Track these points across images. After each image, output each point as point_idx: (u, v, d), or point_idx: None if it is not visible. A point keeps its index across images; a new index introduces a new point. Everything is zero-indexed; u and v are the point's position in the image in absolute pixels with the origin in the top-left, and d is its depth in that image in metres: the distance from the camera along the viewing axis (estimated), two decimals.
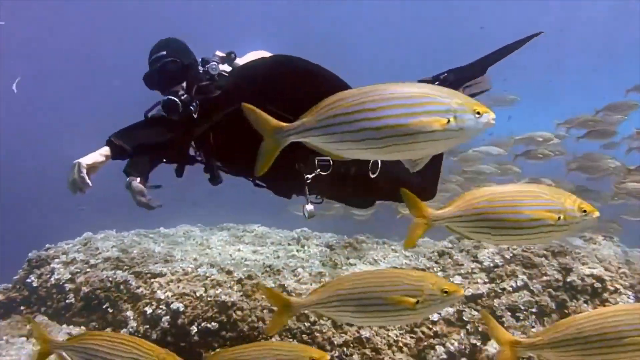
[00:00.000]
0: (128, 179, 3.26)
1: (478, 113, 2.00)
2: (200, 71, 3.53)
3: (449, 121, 1.98)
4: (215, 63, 3.53)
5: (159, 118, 3.48)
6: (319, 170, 3.61)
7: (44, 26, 22.58)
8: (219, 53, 3.67)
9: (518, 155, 8.10)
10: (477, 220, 2.31)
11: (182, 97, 3.38)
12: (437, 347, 4.54)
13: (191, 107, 3.39)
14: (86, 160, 3.20)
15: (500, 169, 8.25)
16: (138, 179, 3.26)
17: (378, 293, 2.47)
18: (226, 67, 3.63)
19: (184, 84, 3.46)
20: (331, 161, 3.60)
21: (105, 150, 3.31)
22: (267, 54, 3.85)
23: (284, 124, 2.20)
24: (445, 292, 2.41)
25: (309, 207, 3.67)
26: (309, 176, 3.60)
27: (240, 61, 3.72)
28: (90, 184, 3.17)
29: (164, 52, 3.48)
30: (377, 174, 3.76)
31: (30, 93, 24.03)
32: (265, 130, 2.23)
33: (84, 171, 3.13)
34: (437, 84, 4.12)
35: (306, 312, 4.73)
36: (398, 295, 2.41)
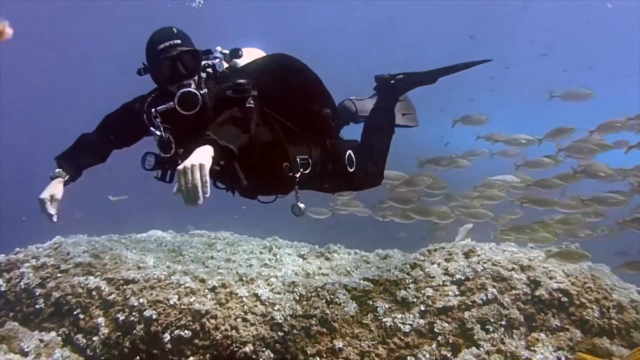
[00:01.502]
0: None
1: None
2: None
3: None
4: (219, 59, 3.55)
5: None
6: (302, 169, 3.74)
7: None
8: (220, 49, 3.66)
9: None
10: None
11: (201, 92, 3.35)
12: (408, 357, 4.60)
13: (207, 103, 3.37)
14: (44, 195, 3.32)
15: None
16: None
17: None
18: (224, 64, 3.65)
19: (196, 78, 3.42)
20: (309, 160, 3.79)
21: (59, 179, 3.45)
22: (259, 52, 3.93)
23: None
24: None
25: (301, 204, 3.79)
26: (297, 175, 3.72)
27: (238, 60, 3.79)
28: (55, 217, 3.33)
29: (178, 41, 3.40)
30: (354, 168, 4.04)
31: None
32: None
33: (46, 207, 3.29)
34: (392, 82, 4.68)
35: (279, 321, 4.76)
36: None
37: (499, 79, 19.01)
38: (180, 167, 2.67)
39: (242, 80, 3.36)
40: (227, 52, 3.68)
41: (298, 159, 3.73)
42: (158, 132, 3.40)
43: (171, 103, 3.31)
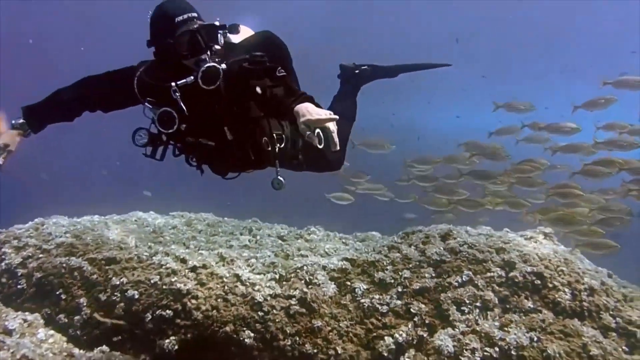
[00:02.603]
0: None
1: None
2: None
3: None
4: (222, 34, 3.55)
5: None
6: (278, 144, 3.81)
7: None
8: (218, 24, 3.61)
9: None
10: None
11: (222, 67, 3.37)
12: (386, 337, 4.71)
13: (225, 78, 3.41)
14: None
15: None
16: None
17: None
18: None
19: (208, 52, 3.42)
20: (284, 135, 3.86)
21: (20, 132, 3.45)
22: (248, 29, 3.97)
23: None
24: None
25: (280, 178, 3.83)
26: (276, 149, 3.79)
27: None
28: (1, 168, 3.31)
29: (195, 14, 3.42)
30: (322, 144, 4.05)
31: None
32: None
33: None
34: (357, 72, 4.93)
35: (259, 301, 4.84)
36: None
37: None
38: (316, 117, 2.88)
39: (258, 53, 3.45)
40: (225, 25, 3.66)
41: (275, 134, 3.80)
42: (165, 107, 3.44)
43: (191, 77, 3.33)
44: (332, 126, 2.88)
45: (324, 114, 2.90)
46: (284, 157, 4.03)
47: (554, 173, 8.30)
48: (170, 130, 3.47)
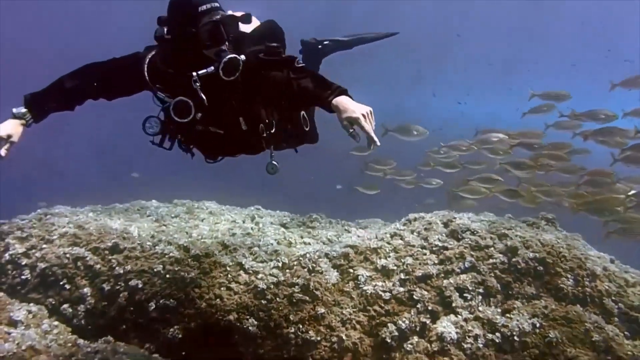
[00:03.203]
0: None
1: None
2: None
3: None
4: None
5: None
6: (271, 130, 3.83)
7: None
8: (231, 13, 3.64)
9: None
10: None
11: (241, 57, 3.37)
12: (388, 324, 4.72)
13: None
14: (1, 131, 3.23)
15: None
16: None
17: None
18: None
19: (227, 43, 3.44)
20: (273, 121, 3.84)
21: (22, 121, 3.37)
22: (255, 19, 3.97)
23: None
24: None
25: (274, 162, 3.91)
26: (270, 134, 3.82)
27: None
28: (3, 160, 3.24)
29: (217, 4, 3.42)
30: (309, 127, 4.22)
31: None
32: None
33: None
34: (319, 47, 5.09)
35: (262, 289, 4.86)
36: None
37: None
38: (360, 115, 2.96)
39: (274, 44, 3.51)
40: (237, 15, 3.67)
41: (267, 120, 3.80)
42: (180, 96, 3.43)
43: (211, 68, 3.33)
44: (372, 124, 2.99)
45: (365, 110, 2.99)
46: (276, 142, 4.06)
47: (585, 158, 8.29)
48: (186, 120, 3.47)
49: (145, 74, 3.47)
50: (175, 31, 3.38)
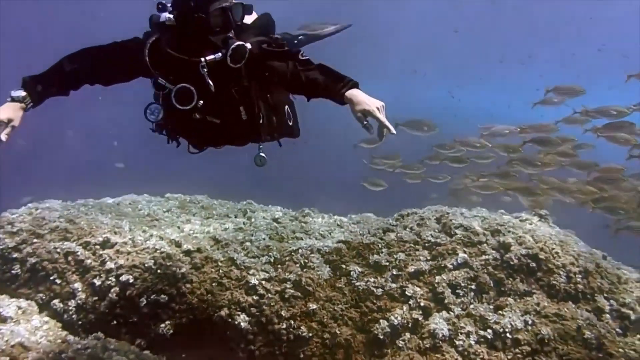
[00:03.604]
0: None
1: None
2: None
3: None
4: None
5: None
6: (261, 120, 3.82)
7: None
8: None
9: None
10: None
11: (249, 45, 3.37)
12: (380, 320, 4.72)
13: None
14: (1, 115, 3.12)
15: None
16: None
17: None
18: None
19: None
20: (262, 113, 3.83)
21: (22, 105, 3.25)
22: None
23: None
24: None
25: (262, 154, 3.93)
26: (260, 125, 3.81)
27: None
28: (3, 145, 3.13)
29: None
30: (292, 121, 4.24)
31: None
32: None
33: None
34: (295, 42, 5.06)
35: (254, 285, 4.84)
36: None
37: None
38: (374, 107, 3.04)
39: (278, 36, 3.59)
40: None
41: (261, 111, 3.80)
42: (183, 83, 3.40)
43: (219, 54, 3.31)
44: (383, 116, 3.05)
45: (378, 103, 3.06)
46: (268, 133, 4.06)
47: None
48: (187, 107, 3.44)
49: (147, 58, 3.43)
50: (186, 16, 3.32)
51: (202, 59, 3.31)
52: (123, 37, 3.59)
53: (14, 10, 20.95)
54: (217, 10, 3.29)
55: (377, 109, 3.03)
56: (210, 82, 3.37)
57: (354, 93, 3.13)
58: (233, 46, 3.28)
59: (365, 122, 3.05)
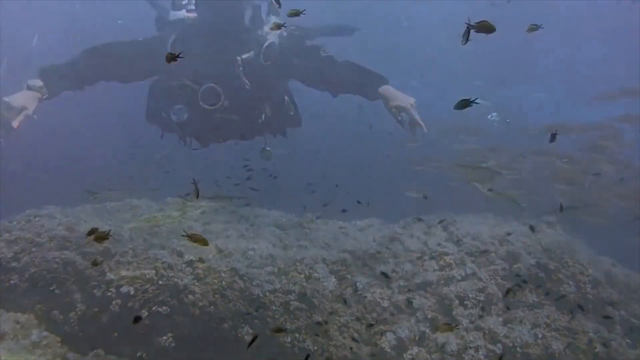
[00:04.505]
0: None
1: None
2: None
3: None
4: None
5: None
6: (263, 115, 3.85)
7: None
8: None
9: None
10: None
11: (276, 41, 3.45)
12: (387, 333, 4.63)
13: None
14: (16, 102, 3.06)
15: None
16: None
17: None
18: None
19: None
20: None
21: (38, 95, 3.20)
22: None
23: None
24: None
25: (268, 148, 4.03)
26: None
27: None
28: (15, 132, 3.05)
29: None
30: (293, 112, 4.23)
31: None
32: None
33: (11, 116, 3.03)
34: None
35: (258, 295, 4.75)
36: None
37: None
38: (408, 104, 3.16)
39: (298, 33, 3.65)
40: None
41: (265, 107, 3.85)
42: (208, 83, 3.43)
43: (252, 52, 3.39)
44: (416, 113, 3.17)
45: (411, 100, 3.18)
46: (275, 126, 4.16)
47: None
48: (213, 107, 3.42)
49: (173, 58, 3.37)
50: (222, 14, 3.30)
51: (238, 58, 3.30)
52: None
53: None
54: (248, 9, 3.38)
55: (411, 105, 3.13)
56: (246, 81, 3.37)
57: (387, 89, 3.26)
58: (266, 44, 3.33)
59: (399, 118, 3.16)
